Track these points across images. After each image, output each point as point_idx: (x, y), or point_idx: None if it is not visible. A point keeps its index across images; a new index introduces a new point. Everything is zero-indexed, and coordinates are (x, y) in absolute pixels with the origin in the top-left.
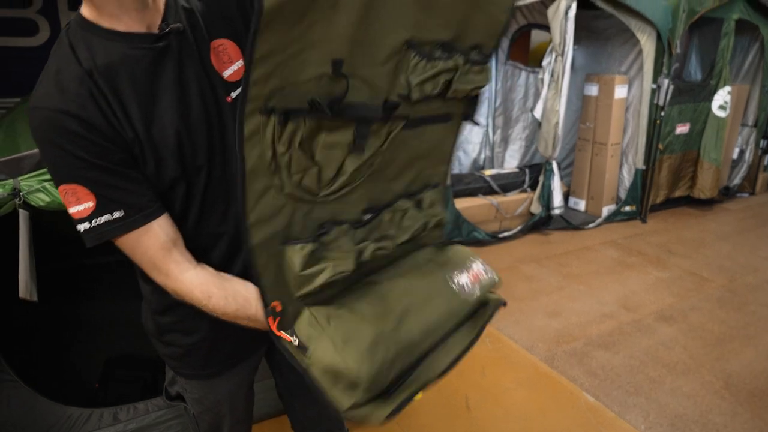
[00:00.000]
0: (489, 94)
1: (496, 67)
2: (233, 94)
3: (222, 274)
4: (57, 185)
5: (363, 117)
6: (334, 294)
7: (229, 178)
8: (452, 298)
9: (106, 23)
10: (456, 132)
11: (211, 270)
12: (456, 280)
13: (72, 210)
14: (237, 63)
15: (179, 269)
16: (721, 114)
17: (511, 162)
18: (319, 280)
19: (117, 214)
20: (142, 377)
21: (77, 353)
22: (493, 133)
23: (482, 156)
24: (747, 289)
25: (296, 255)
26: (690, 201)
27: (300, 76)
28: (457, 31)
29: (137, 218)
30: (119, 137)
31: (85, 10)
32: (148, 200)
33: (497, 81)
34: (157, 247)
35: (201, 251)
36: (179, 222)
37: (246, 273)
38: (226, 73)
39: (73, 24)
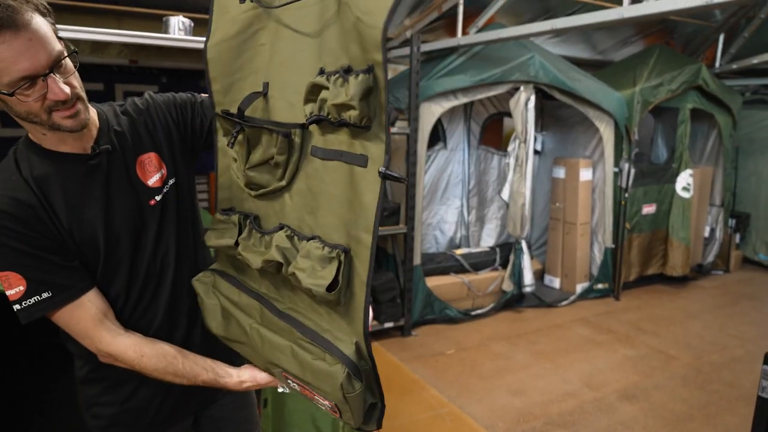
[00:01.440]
0: (463, 176)
1: (468, 151)
2: (157, 197)
3: (150, 338)
4: None
5: (265, 127)
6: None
7: (157, 266)
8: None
9: (47, 145)
10: (375, 187)
11: (139, 334)
12: (290, 381)
13: (8, 293)
14: (159, 172)
15: (111, 335)
16: (685, 195)
17: (487, 240)
18: (208, 239)
19: (45, 295)
20: None
21: (50, 423)
22: (468, 213)
23: (458, 235)
24: (712, 367)
25: (215, 218)
26: (664, 278)
27: (244, 93)
28: (348, 56)
29: (64, 296)
30: (53, 234)
31: (31, 135)
32: (77, 280)
33: (470, 164)
34: (88, 318)
35: (144, 318)
36: (118, 299)
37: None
38: (150, 181)
39: (20, 144)
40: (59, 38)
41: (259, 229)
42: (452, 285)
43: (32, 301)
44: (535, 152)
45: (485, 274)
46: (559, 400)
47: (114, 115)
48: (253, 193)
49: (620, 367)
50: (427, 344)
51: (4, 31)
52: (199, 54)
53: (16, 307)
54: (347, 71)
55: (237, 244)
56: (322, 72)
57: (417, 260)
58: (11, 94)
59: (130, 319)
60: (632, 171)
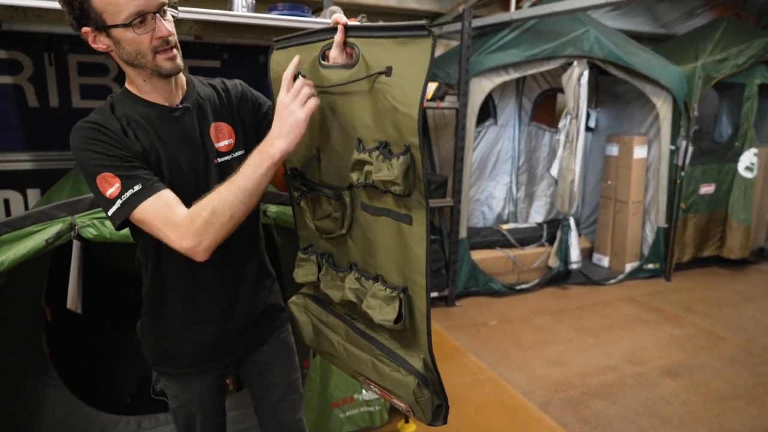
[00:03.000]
0: (513, 153)
1: (519, 128)
2: (219, 159)
3: None
4: (93, 178)
5: (325, 193)
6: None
7: None
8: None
9: (140, 94)
10: (422, 242)
11: None
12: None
13: (108, 192)
14: (228, 140)
15: (183, 211)
16: (748, 175)
17: (536, 217)
18: (296, 276)
19: (137, 187)
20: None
21: (117, 369)
22: (517, 190)
23: (506, 211)
24: (764, 350)
25: (298, 256)
26: (721, 261)
27: (300, 152)
28: (385, 134)
29: (151, 186)
30: (133, 149)
31: (128, 85)
32: (155, 179)
33: (520, 141)
34: (167, 205)
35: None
36: None
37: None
38: (219, 144)
39: (118, 92)
40: None
41: (334, 267)
42: (497, 259)
43: (127, 194)
44: (588, 129)
45: (531, 250)
46: (599, 373)
47: (200, 84)
48: (323, 236)
49: (665, 345)
50: (471, 315)
51: None
52: (259, 29)
53: (116, 205)
54: (385, 147)
55: (318, 279)
56: (359, 142)
57: (463, 233)
58: (129, 25)
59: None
60: (690, 149)
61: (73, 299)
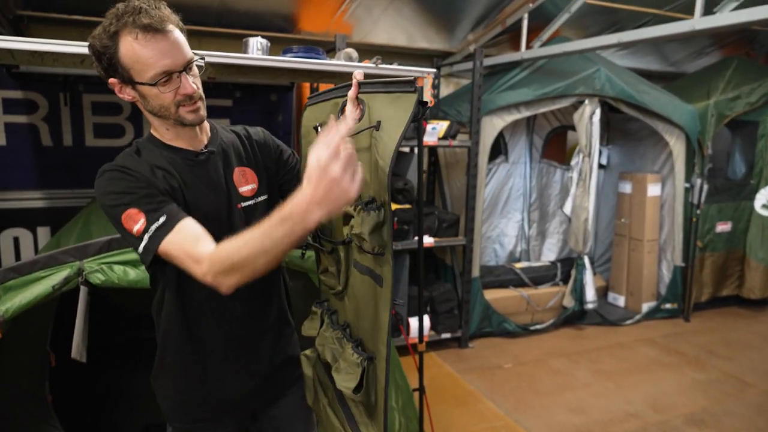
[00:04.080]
0: (524, 190)
1: (530, 165)
2: (243, 204)
3: None
4: (119, 218)
5: (316, 246)
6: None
7: None
8: None
9: (165, 140)
10: (387, 307)
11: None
12: None
13: (134, 229)
14: (251, 185)
15: (206, 249)
16: (766, 213)
17: (548, 255)
18: (304, 329)
19: (162, 219)
20: None
21: (121, 415)
22: (529, 227)
23: (518, 249)
24: None
25: (312, 309)
26: (740, 301)
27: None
28: (374, 190)
29: (177, 216)
30: (159, 187)
31: (153, 131)
32: (179, 209)
33: (532, 177)
34: (191, 238)
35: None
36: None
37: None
38: (243, 189)
39: (144, 138)
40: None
41: (334, 324)
42: (511, 298)
43: (153, 227)
44: (600, 166)
45: (545, 289)
46: (621, 421)
47: (223, 130)
48: (330, 291)
49: (688, 391)
50: (484, 357)
51: (157, 34)
52: (273, 71)
53: (145, 238)
54: (369, 203)
55: (317, 335)
56: (358, 198)
57: (476, 272)
58: (154, 84)
59: (206, 300)
60: (705, 187)
61: (78, 348)
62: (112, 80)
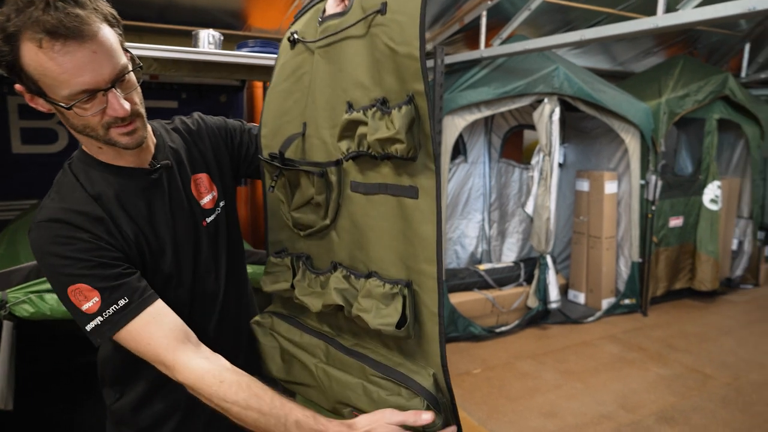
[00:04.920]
0: (484, 190)
1: (489, 165)
2: (208, 219)
3: (234, 367)
4: (64, 292)
5: (301, 169)
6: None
7: (209, 288)
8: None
9: (104, 159)
10: (432, 217)
11: (225, 360)
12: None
13: (84, 308)
14: (210, 193)
15: (187, 357)
16: (713, 207)
17: (509, 255)
18: (264, 285)
19: (122, 302)
20: None
21: None
22: (490, 227)
23: (479, 249)
24: (752, 387)
25: (269, 261)
26: (692, 293)
27: (287, 135)
28: (383, 89)
29: (142, 300)
30: (117, 243)
31: (86, 148)
32: (145, 287)
33: (491, 177)
34: (163, 333)
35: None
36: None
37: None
38: (203, 201)
39: (75, 158)
40: (125, 50)
41: (312, 269)
42: (476, 301)
43: (111, 311)
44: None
45: (509, 290)
46: (594, 423)
47: (165, 131)
48: (302, 233)
49: (655, 387)
50: (452, 363)
51: (69, 41)
52: (226, 67)
53: (97, 321)
54: (384, 103)
55: (293, 286)
56: (350, 107)
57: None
58: (69, 108)
59: None
60: (659, 183)
61: (2, 395)
62: (18, 87)
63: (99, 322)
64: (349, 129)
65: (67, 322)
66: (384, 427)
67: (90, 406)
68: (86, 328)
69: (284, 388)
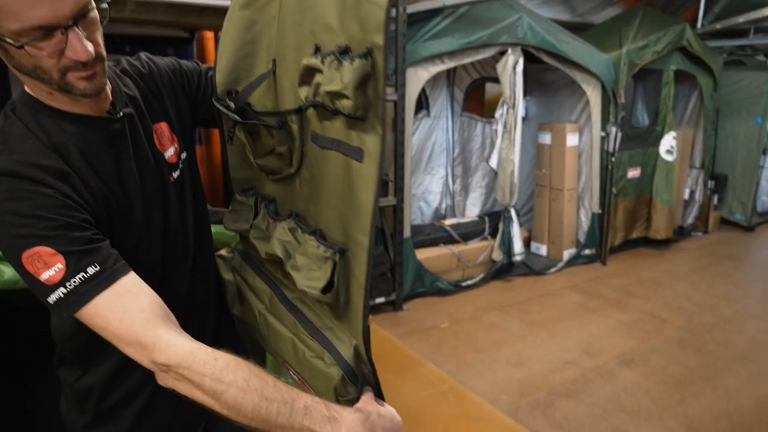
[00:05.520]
0: (447, 145)
1: (452, 119)
2: (175, 174)
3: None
4: (18, 258)
5: (261, 123)
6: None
7: (175, 248)
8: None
9: (56, 105)
10: (371, 184)
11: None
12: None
13: (43, 277)
14: (172, 146)
15: (171, 334)
16: (669, 158)
17: (472, 210)
18: (226, 222)
19: (92, 270)
20: None
21: (35, 420)
22: (453, 183)
23: (443, 205)
24: (705, 328)
25: (234, 198)
26: (647, 242)
27: (253, 70)
28: (347, 36)
29: (115, 270)
30: (85, 206)
31: (31, 91)
32: (117, 256)
33: (454, 131)
34: (139, 308)
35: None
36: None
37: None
38: (167, 155)
39: (19, 103)
40: None
41: (272, 215)
42: (442, 256)
43: (77, 280)
44: None
45: (474, 244)
46: (560, 370)
47: (116, 75)
48: (270, 177)
49: (615, 332)
50: (420, 318)
51: None
52: (175, 9)
53: (59, 293)
54: (343, 53)
55: (251, 227)
56: (317, 50)
57: (407, 233)
58: (20, 46)
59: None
60: (619, 135)
61: None
62: None
63: (62, 294)
64: (307, 75)
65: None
66: (393, 420)
67: (40, 384)
68: (48, 300)
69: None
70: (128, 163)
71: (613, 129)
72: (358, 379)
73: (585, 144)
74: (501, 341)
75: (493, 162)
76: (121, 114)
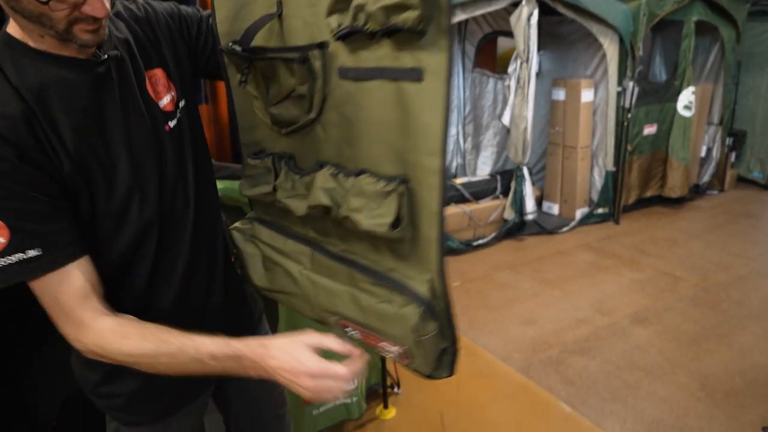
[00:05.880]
0: (458, 102)
1: (463, 75)
2: (171, 123)
3: (139, 320)
4: None
5: (277, 57)
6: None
7: (174, 203)
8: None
9: (41, 47)
10: (438, 103)
11: (129, 316)
12: (348, 328)
13: None
14: (169, 94)
15: (93, 317)
16: (687, 114)
17: (483, 169)
18: (243, 189)
19: (32, 253)
20: (103, 415)
21: (34, 389)
22: (464, 141)
23: (454, 164)
24: (719, 286)
25: (246, 163)
26: (662, 200)
27: (255, 16)
28: None
29: (56, 259)
30: (52, 166)
31: (13, 28)
32: (71, 239)
33: (465, 89)
34: (72, 293)
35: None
36: (147, 246)
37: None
38: (162, 102)
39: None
40: None
41: (296, 170)
42: (454, 215)
43: (15, 259)
44: None
45: (486, 203)
46: (572, 328)
47: (108, 18)
48: (283, 130)
49: (628, 291)
50: None
51: None
52: None
53: None
54: None
55: (275, 189)
56: None
57: None
58: (46, 1)
59: (155, 269)
60: (636, 90)
61: None
62: None
63: None
64: (342, 1)
65: None
66: (301, 348)
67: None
68: None
69: (265, 297)
70: (114, 110)
71: (630, 84)
72: (437, 315)
73: (600, 100)
74: (513, 300)
75: (506, 119)
76: (106, 56)
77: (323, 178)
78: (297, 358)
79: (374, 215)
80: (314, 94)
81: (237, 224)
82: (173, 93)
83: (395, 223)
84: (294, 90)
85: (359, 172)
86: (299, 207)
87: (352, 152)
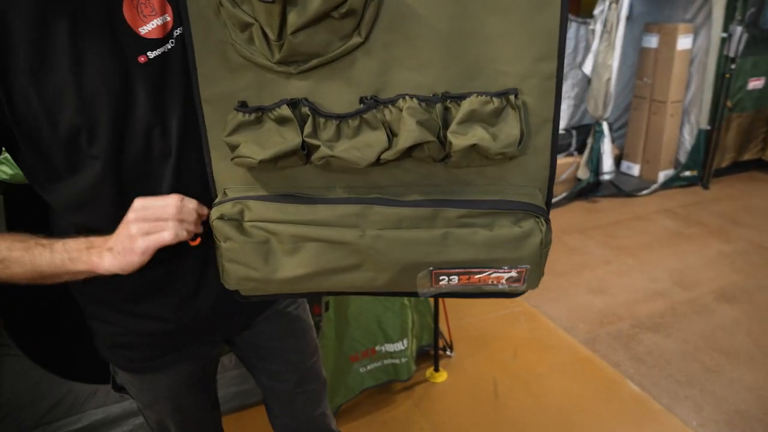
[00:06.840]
0: None
1: None
2: (151, 53)
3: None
4: None
5: None
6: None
7: (149, 149)
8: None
9: None
10: None
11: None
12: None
13: None
14: (159, 18)
15: None
16: None
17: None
18: (251, 152)
19: None
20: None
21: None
22: None
23: None
24: None
25: (235, 119)
26: (761, 165)
27: None
28: None
29: None
30: None
31: None
32: None
33: None
34: None
35: None
36: (100, 205)
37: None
38: (144, 29)
39: None
40: None
41: (330, 114)
42: None
43: None
44: None
45: (559, 160)
46: (647, 300)
47: None
48: (294, 69)
49: (715, 264)
50: None
51: None
52: None
53: None
54: None
55: (304, 147)
56: None
57: None
58: None
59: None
60: (745, 36)
61: None
62: None
63: None
64: None
65: None
66: (122, 235)
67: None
68: None
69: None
70: (65, 36)
71: (738, 29)
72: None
73: (699, 48)
74: (582, 266)
75: (587, 68)
76: None
77: (412, 110)
78: (128, 215)
79: (504, 135)
80: (367, 8)
81: (218, 211)
82: (168, 17)
83: (521, 138)
84: (339, 6)
85: (444, 96)
86: (367, 155)
87: (421, 77)
